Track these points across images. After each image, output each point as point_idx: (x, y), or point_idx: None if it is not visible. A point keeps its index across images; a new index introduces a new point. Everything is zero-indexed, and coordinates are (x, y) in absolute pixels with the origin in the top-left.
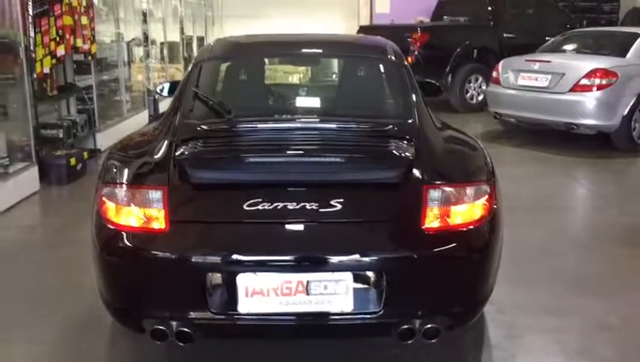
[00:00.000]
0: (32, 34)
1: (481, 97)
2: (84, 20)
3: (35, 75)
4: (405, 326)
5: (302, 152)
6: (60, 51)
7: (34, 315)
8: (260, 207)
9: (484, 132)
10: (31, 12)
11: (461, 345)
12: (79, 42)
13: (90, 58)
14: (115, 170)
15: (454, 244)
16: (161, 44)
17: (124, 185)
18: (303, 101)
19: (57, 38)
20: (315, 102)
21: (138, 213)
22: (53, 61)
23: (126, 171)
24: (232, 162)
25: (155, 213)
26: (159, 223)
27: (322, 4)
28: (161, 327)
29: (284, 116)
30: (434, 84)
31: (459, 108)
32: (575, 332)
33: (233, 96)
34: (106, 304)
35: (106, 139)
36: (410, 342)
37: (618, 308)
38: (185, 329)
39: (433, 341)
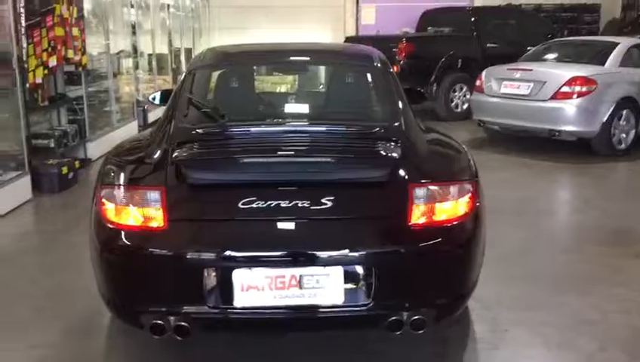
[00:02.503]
0: (24, 45)
1: (465, 106)
2: (75, 32)
3: (27, 85)
4: (394, 318)
5: (294, 153)
6: (52, 62)
7: (33, 318)
8: (254, 206)
9: (469, 139)
10: (23, 23)
11: (447, 338)
12: (70, 53)
13: (80, 69)
14: (113, 172)
15: (439, 239)
16: (150, 55)
17: (123, 186)
18: (293, 106)
19: (49, 49)
20: (305, 107)
21: (137, 212)
22: (45, 71)
23: (125, 173)
24: (227, 163)
25: (154, 213)
26: (158, 222)
27: (308, 15)
28: (159, 322)
29: (276, 120)
30: (417, 91)
31: (444, 117)
32: (556, 326)
33: (226, 102)
34: (105, 301)
35: (97, 148)
36: (398, 333)
37: (598, 303)
38: (183, 324)
39: (420, 332)
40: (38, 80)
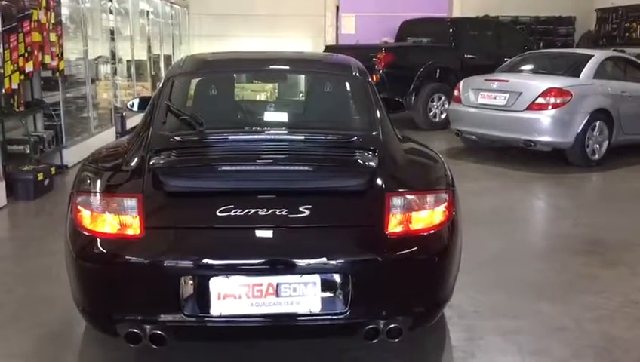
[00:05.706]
0: (0, 50)
1: (444, 115)
2: (53, 37)
3: (3, 91)
4: (370, 326)
5: (272, 161)
6: (29, 67)
7: (6, 327)
8: (231, 213)
9: (446, 149)
10: (0, 28)
11: (424, 346)
12: (47, 59)
13: (57, 75)
14: (89, 179)
15: (415, 248)
16: (129, 61)
17: (100, 193)
18: (272, 114)
19: (26, 55)
20: (283, 115)
21: (113, 220)
22: (22, 77)
23: (101, 180)
24: (205, 170)
25: (130, 220)
26: (134, 229)
27: (289, 24)
28: (135, 331)
29: (254, 128)
30: (395, 100)
31: (423, 126)
32: (531, 333)
33: (204, 110)
34: (80, 309)
35: (73, 155)
36: (374, 341)
37: (572, 311)
38: (158, 332)
39: (396, 340)
40: (14, 86)
